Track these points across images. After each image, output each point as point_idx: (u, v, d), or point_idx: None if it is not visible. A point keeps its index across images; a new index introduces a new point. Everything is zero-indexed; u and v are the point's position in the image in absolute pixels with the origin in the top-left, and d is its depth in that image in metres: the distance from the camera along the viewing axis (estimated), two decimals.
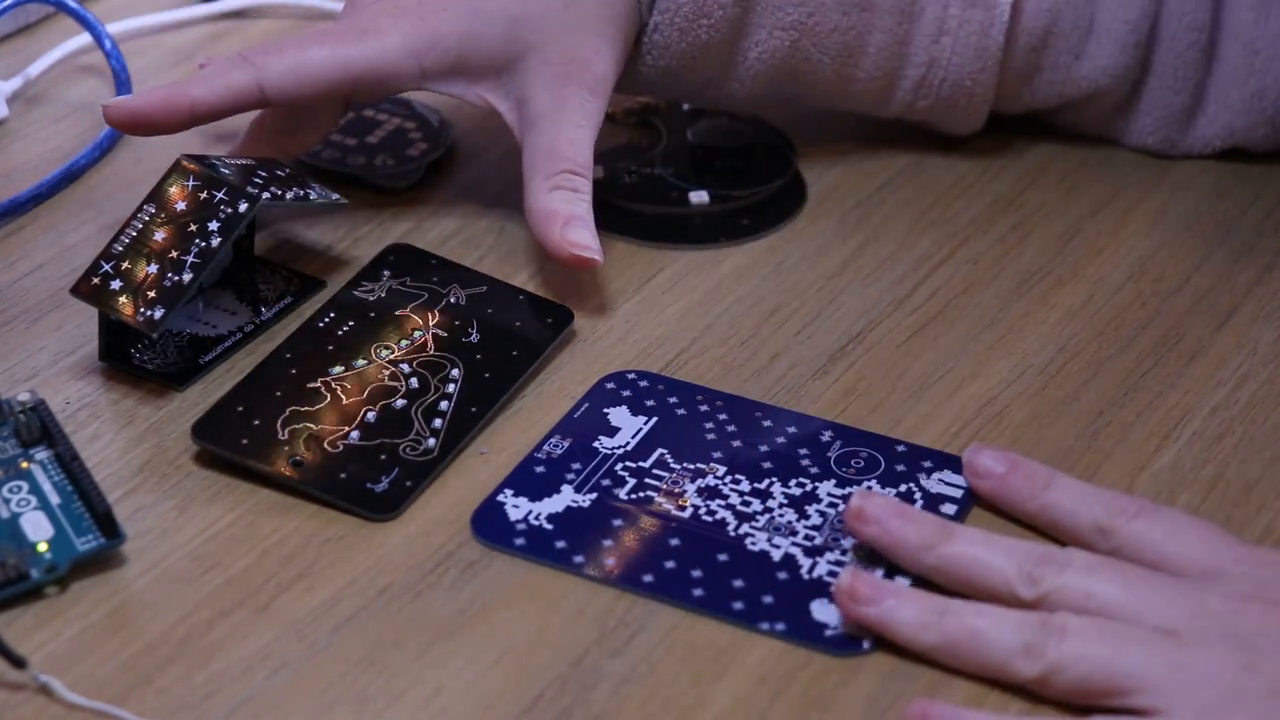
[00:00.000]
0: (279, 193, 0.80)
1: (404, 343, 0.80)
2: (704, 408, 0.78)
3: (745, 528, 0.73)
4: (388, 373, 0.78)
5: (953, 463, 0.75)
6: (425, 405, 0.77)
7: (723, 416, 0.78)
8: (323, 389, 0.77)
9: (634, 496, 0.74)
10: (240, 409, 0.76)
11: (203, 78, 0.83)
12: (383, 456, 0.75)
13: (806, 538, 0.72)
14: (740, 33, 0.87)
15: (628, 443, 0.76)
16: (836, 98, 0.91)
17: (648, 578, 0.71)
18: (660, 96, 0.92)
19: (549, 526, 0.73)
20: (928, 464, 0.75)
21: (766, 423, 0.77)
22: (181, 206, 0.78)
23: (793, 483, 0.75)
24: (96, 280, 0.77)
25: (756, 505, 0.74)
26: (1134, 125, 0.92)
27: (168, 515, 0.73)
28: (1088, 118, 0.93)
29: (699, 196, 0.90)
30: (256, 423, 0.76)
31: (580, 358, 0.81)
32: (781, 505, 0.74)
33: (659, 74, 0.88)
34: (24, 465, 0.74)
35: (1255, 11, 0.89)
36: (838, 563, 0.71)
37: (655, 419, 0.78)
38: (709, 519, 0.73)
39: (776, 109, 0.95)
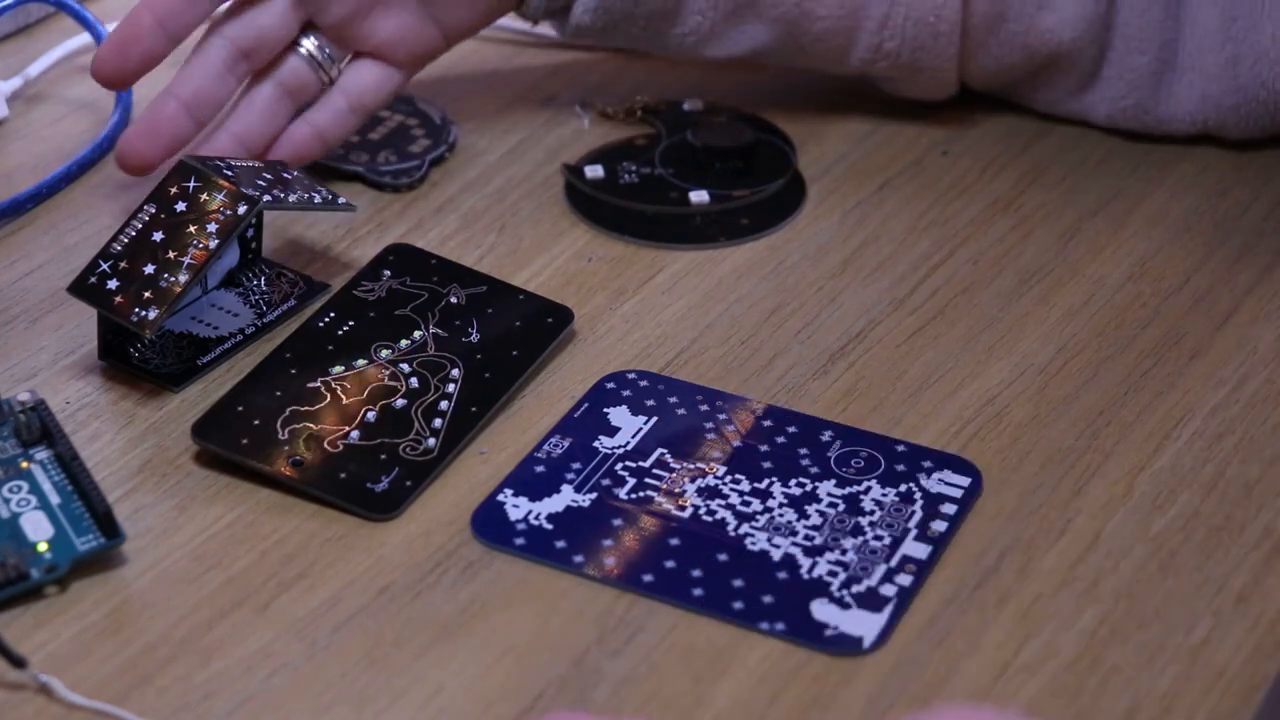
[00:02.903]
0: (281, 195, 0.80)
1: (404, 343, 0.80)
2: (704, 408, 0.78)
3: (745, 528, 0.73)
4: (388, 373, 0.78)
5: (953, 463, 0.75)
6: (425, 405, 0.77)
7: (723, 416, 0.78)
8: (323, 389, 0.77)
9: (634, 496, 0.74)
10: (240, 409, 0.76)
11: None
12: (383, 456, 0.75)
13: (806, 538, 0.72)
14: None
15: (628, 442, 0.76)
16: (803, 39, 0.90)
17: (648, 578, 0.71)
18: (620, 36, 0.91)
19: (549, 526, 0.73)
20: (928, 464, 0.75)
21: (767, 423, 0.77)
22: (181, 207, 0.78)
23: (793, 483, 0.75)
24: (94, 279, 0.77)
25: (756, 505, 0.74)
26: (1105, 93, 0.92)
27: (168, 515, 0.73)
28: (1059, 90, 0.93)
29: (699, 196, 0.90)
30: (256, 422, 0.76)
31: (580, 358, 0.81)
32: (781, 505, 0.74)
33: None
34: (24, 465, 0.74)
35: None
36: (838, 562, 0.71)
37: (655, 419, 0.78)
38: (709, 519, 0.73)
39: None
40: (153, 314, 0.76)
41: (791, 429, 0.77)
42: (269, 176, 0.81)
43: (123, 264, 0.77)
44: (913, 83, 0.93)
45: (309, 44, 0.87)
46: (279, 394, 0.77)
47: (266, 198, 0.79)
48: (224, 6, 0.86)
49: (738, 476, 0.75)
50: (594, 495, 0.74)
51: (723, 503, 0.74)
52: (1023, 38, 0.91)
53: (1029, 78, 0.93)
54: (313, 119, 0.87)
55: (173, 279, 0.77)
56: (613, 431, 0.77)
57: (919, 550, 0.72)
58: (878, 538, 0.72)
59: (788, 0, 0.89)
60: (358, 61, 0.88)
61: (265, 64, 0.86)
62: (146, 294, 0.76)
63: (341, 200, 0.84)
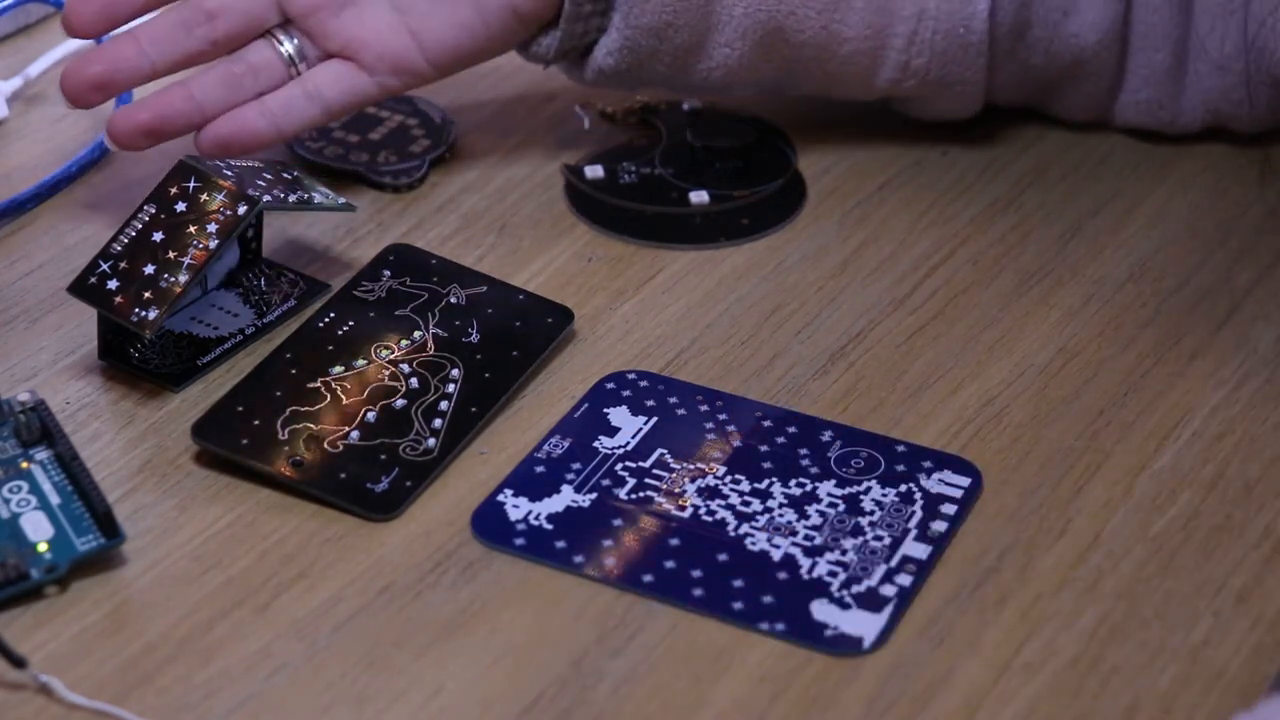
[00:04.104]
0: (281, 195, 0.80)
1: (404, 343, 0.80)
2: (704, 408, 0.78)
3: (745, 528, 0.73)
4: (388, 373, 0.78)
5: (953, 463, 0.75)
6: (425, 405, 0.77)
7: (723, 416, 0.78)
8: (323, 389, 0.77)
9: (634, 496, 0.74)
10: (240, 409, 0.76)
11: None
12: (383, 456, 0.75)
13: (806, 538, 0.72)
14: None
15: (628, 443, 0.76)
16: (829, 64, 0.89)
17: (648, 578, 0.71)
18: (643, 77, 0.89)
19: (549, 526, 0.73)
20: (928, 464, 0.75)
21: (766, 423, 0.77)
22: (181, 207, 0.78)
23: (793, 483, 0.75)
24: (94, 279, 0.77)
25: (756, 505, 0.74)
26: (1127, 96, 0.92)
27: (168, 515, 0.73)
28: (1084, 96, 0.92)
29: (699, 196, 0.90)
30: (256, 422, 0.76)
31: (580, 358, 0.81)
32: (781, 505, 0.74)
33: (642, 34, 0.87)
34: (24, 465, 0.74)
35: None
36: (838, 562, 0.71)
37: (655, 419, 0.78)
38: (709, 519, 0.73)
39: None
40: (153, 314, 0.76)
41: (791, 429, 0.77)
42: (269, 176, 0.81)
43: (123, 264, 0.77)
44: (940, 99, 0.91)
45: (287, 44, 0.86)
46: (279, 394, 0.77)
47: (266, 198, 0.79)
48: None
49: (738, 477, 0.75)
50: (594, 495, 0.74)
51: (723, 503, 0.74)
52: (1046, 44, 0.90)
53: (1054, 86, 0.92)
54: (265, 100, 0.86)
55: (173, 279, 0.77)
56: (613, 432, 0.77)
57: (919, 550, 0.72)
58: (878, 538, 0.72)
59: (813, 24, 0.88)
60: (328, 60, 0.87)
61: (232, 38, 0.86)
62: (146, 294, 0.76)
63: (341, 200, 0.84)
